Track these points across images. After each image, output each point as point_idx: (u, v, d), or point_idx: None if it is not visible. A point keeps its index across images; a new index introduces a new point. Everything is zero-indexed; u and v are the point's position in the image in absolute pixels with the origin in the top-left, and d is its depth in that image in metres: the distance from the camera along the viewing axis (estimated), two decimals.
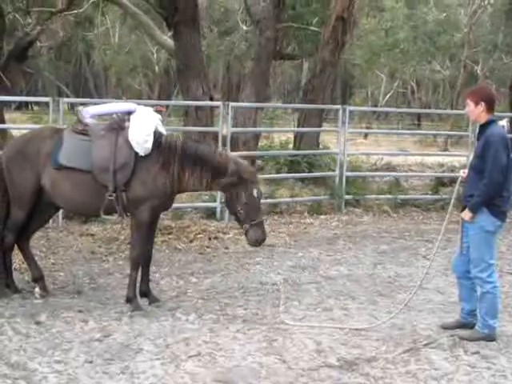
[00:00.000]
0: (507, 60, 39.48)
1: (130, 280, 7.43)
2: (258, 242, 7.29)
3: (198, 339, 6.55)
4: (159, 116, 7.65)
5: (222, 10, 40.28)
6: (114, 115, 7.59)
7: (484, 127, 6.70)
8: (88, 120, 7.59)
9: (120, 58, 46.50)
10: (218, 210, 12.27)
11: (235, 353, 6.26)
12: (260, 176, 15.47)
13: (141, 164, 7.26)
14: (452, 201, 7.38)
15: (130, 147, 7.25)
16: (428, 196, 15.04)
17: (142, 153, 7.25)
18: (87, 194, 7.37)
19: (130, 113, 7.50)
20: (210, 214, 12.33)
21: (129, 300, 7.38)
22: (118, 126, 7.43)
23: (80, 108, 7.76)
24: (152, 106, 8.24)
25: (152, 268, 8.06)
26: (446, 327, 7.01)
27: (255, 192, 7.18)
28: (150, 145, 7.24)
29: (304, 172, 15.15)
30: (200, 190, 7.56)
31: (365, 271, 9.47)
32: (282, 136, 24.56)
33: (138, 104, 7.93)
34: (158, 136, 7.36)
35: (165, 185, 7.27)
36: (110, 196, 7.26)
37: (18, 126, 20.31)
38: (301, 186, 15.13)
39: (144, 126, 7.28)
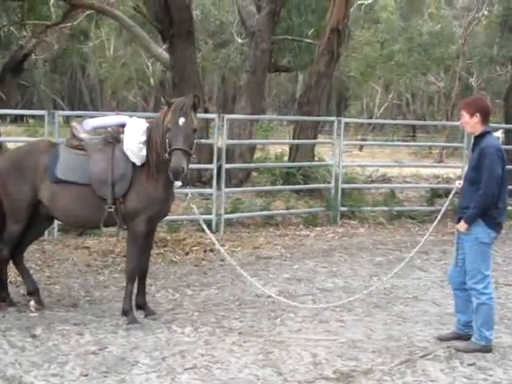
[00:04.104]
0: (502, 71, 39.65)
1: (125, 293, 7.41)
2: (178, 170, 6.90)
3: (194, 352, 6.53)
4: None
5: (217, 23, 40.47)
6: (109, 128, 7.60)
7: (479, 138, 6.71)
8: (82, 135, 7.60)
9: (115, 70, 46.66)
10: (214, 222, 12.27)
11: (231, 365, 6.24)
12: (255, 188, 15.63)
13: (136, 174, 7.28)
14: (442, 210, 7.40)
15: (127, 158, 7.27)
16: (423, 208, 15.05)
17: (138, 162, 7.25)
18: (87, 206, 7.37)
19: (123, 125, 7.51)
20: (206, 226, 12.27)
21: (125, 313, 7.35)
22: (113, 139, 7.44)
23: (74, 124, 7.78)
24: (146, 118, 8.24)
25: (148, 281, 8.05)
26: (442, 339, 7.00)
27: (180, 121, 7.05)
28: (144, 153, 7.25)
29: (299, 184, 15.16)
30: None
31: (360, 283, 9.47)
32: (277, 148, 24.63)
33: (132, 116, 7.94)
34: None
35: (155, 189, 7.24)
36: (110, 208, 7.27)
37: (13, 139, 20.32)
38: (296, 198, 15.11)
39: (137, 135, 7.29)
